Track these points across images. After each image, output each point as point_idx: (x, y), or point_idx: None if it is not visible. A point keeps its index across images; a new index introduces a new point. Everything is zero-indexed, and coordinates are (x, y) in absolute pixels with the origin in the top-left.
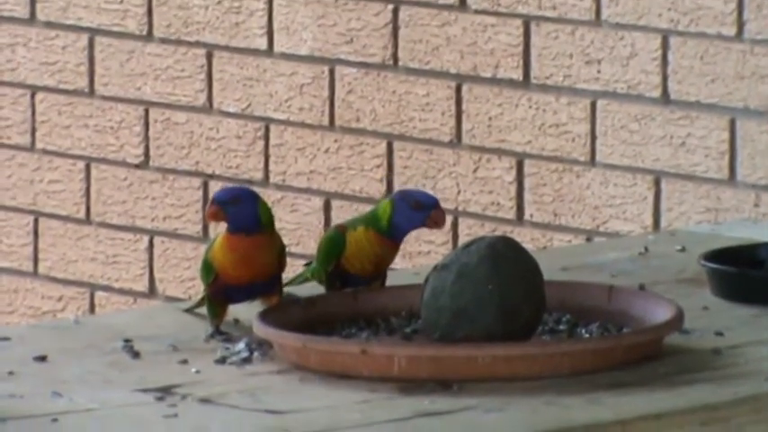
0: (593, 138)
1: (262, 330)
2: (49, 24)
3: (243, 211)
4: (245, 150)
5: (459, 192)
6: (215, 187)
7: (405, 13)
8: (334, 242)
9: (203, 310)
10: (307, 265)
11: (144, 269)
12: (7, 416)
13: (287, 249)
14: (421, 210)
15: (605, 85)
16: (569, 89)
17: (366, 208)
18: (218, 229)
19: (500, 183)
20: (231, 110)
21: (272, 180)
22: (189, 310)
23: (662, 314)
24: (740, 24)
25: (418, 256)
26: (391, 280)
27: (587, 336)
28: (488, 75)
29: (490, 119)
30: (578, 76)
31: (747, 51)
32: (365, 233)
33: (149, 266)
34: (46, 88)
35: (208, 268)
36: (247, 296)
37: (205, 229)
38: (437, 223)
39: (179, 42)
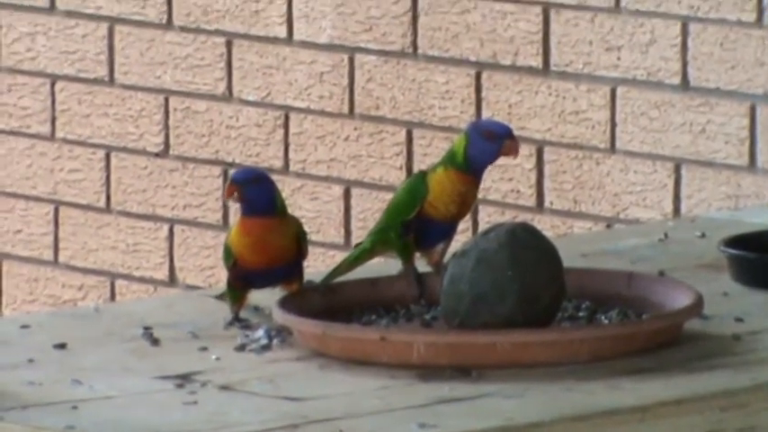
0: (613, 125)
1: (281, 317)
2: (69, 13)
3: (260, 191)
4: (265, 139)
5: None
6: None
7: (424, 0)
8: (418, 186)
9: None
10: (357, 246)
11: (164, 258)
12: (27, 403)
13: (309, 237)
14: (494, 140)
15: (625, 72)
16: (589, 76)
17: (386, 196)
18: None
19: (520, 170)
20: (251, 98)
21: (291, 168)
22: (219, 297)
23: (681, 300)
24: (760, 10)
25: None
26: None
27: (607, 322)
28: (508, 62)
29: (510, 106)
30: (598, 63)
31: (767, 37)
32: (445, 173)
33: (169, 255)
34: (66, 77)
35: (227, 254)
36: (266, 282)
37: (225, 217)
38: (511, 152)
39: (199, 31)
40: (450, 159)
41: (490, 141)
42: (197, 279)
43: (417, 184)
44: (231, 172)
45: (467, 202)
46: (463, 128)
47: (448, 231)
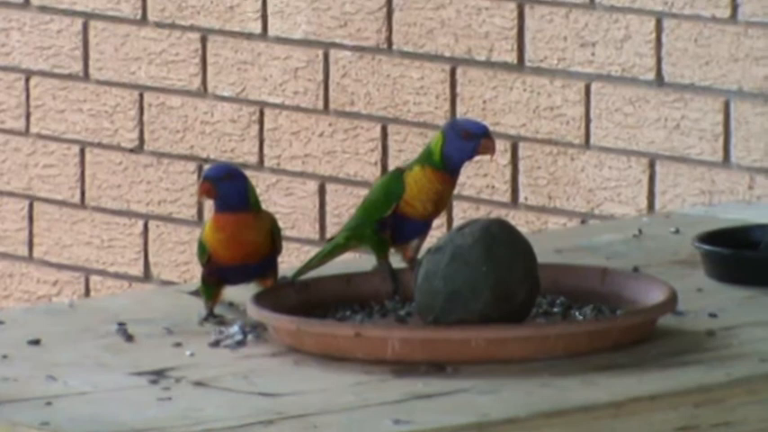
0: (588, 121)
1: (256, 313)
2: (44, 9)
3: (233, 188)
4: (240, 134)
5: None
6: None
7: None
8: (394, 184)
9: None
10: (330, 240)
11: (139, 253)
12: (1, 399)
13: (283, 233)
14: (470, 139)
15: (600, 68)
16: (564, 72)
17: (361, 192)
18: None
19: (495, 166)
20: (226, 94)
21: (266, 164)
22: (194, 293)
23: (656, 296)
24: (734, 6)
25: None
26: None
27: (581, 318)
28: (483, 58)
29: (484, 102)
30: (573, 58)
31: (741, 33)
32: (422, 171)
33: (144, 250)
34: (40, 72)
35: (201, 249)
36: (241, 278)
37: (200, 213)
38: (488, 151)
39: (173, 26)
40: (426, 158)
41: (467, 140)
42: (172, 275)
43: (394, 182)
44: (205, 168)
45: (443, 200)
46: (438, 124)
47: (423, 228)
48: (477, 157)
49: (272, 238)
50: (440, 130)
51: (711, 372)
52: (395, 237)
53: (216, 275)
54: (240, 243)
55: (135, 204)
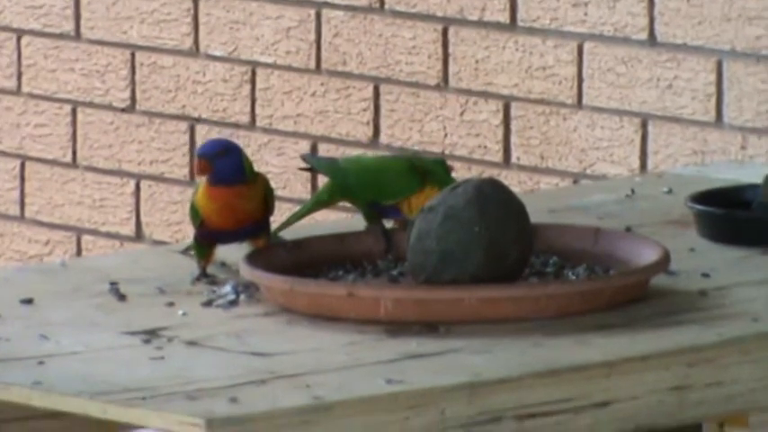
0: (580, 80)
1: (248, 273)
2: None
3: (229, 162)
4: (232, 94)
5: (445, 135)
6: (201, 131)
7: None
8: (411, 184)
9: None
10: (303, 169)
11: (130, 213)
12: None
13: (275, 193)
14: None
15: (592, 28)
16: (556, 32)
17: (353, 151)
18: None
19: (487, 126)
20: (217, 53)
21: (258, 124)
22: (185, 251)
23: (648, 256)
24: None
25: None
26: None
27: (574, 278)
28: (475, 18)
29: (477, 62)
30: (565, 18)
31: None
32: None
33: (136, 210)
34: (32, 32)
35: (194, 213)
36: (234, 239)
37: (191, 172)
38: None
39: None
40: (444, 182)
41: None
42: (164, 234)
43: (412, 181)
44: (198, 148)
45: None
46: (430, 84)
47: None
48: (469, 116)
49: (266, 201)
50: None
51: (704, 331)
52: (383, 216)
53: (208, 238)
54: (234, 211)
55: (126, 164)
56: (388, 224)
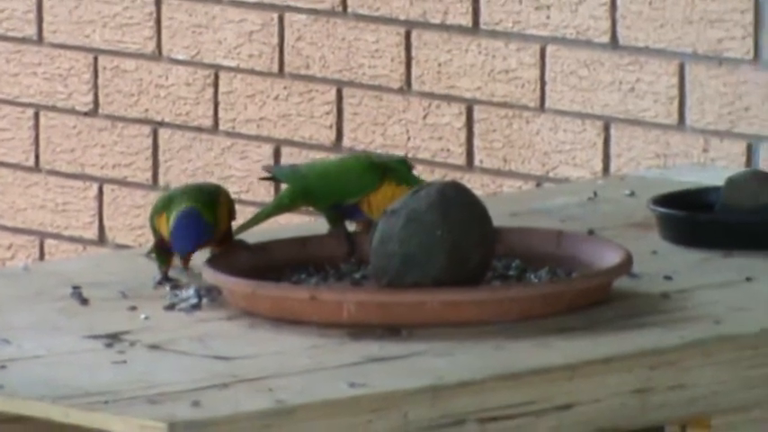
0: (543, 83)
1: (211, 276)
2: None
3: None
4: (195, 98)
5: (408, 138)
6: (164, 135)
7: None
8: (369, 181)
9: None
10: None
11: (93, 217)
12: None
13: (238, 196)
14: None
15: (554, 31)
16: (519, 35)
17: (317, 155)
18: (167, 178)
19: (450, 129)
20: (180, 57)
21: (221, 127)
22: (149, 254)
23: (611, 258)
24: None
25: None
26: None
27: (536, 281)
28: (437, 21)
29: (439, 65)
30: (528, 21)
31: None
32: (399, 189)
33: (99, 214)
34: None
35: (153, 228)
36: (193, 250)
37: (155, 176)
38: None
39: None
40: (405, 180)
41: None
42: (126, 238)
43: (370, 177)
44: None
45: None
46: (393, 87)
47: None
48: (432, 119)
49: (228, 214)
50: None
51: (666, 334)
52: (346, 217)
53: (168, 247)
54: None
55: (89, 168)
56: (351, 227)
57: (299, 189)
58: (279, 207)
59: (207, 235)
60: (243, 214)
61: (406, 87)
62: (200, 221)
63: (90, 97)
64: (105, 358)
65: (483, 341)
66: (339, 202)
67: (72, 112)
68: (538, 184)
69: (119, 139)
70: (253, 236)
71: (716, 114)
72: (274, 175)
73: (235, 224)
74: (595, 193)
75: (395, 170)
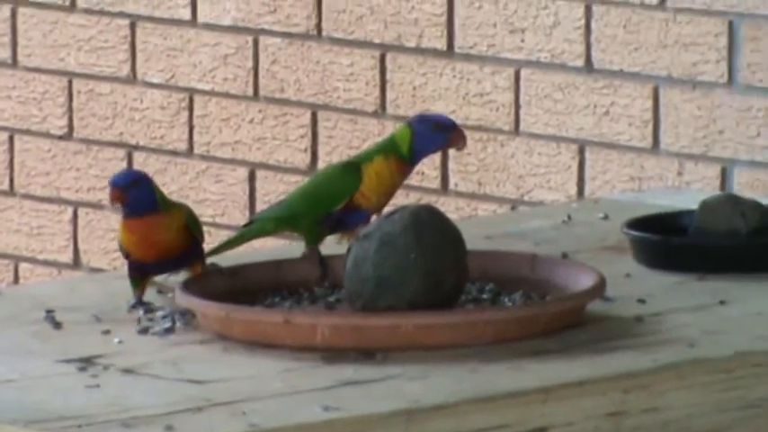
0: (518, 107)
1: (184, 300)
2: None
3: (140, 192)
4: (170, 121)
5: None
6: (139, 158)
7: None
8: (350, 178)
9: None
10: (246, 225)
11: (68, 240)
12: None
13: (213, 219)
14: (442, 131)
15: (529, 55)
16: (493, 58)
17: (292, 178)
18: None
19: None
20: (155, 80)
21: (196, 151)
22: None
23: (584, 282)
24: None
25: None
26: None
27: (510, 304)
28: (412, 44)
29: (414, 88)
30: (502, 45)
31: (670, 20)
32: (386, 162)
33: (73, 238)
34: None
35: (120, 247)
36: (164, 270)
37: None
38: (459, 142)
39: (102, 13)
40: (390, 148)
41: (438, 132)
42: (101, 262)
43: (349, 175)
44: (111, 177)
45: (395, 191)
46: (368, 110)
47: (368, 218)
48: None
49: (189, 231)
50: (405, 124)
51: (640, 357)
52: (339, 226)
53: (138, 270)
54: (152, 243)
55: (64, 191)
56: (326, 251)
57: (285, 214)
58: (261, 231)
59: (149, 201)
60: (217, 237)
61: (380, 111)
62: (150, 187)
63: (65, 121)
64: (79, 382)
65: (457, 364)
66: (328, 210)
67: (47, 135)
68: (512, 208)
69: (93, 162)
70: (226, 259)
71: (690, 138)
72: (254, 220)
73: (209, 248)
74: (569, 217)
75: (368, 152)
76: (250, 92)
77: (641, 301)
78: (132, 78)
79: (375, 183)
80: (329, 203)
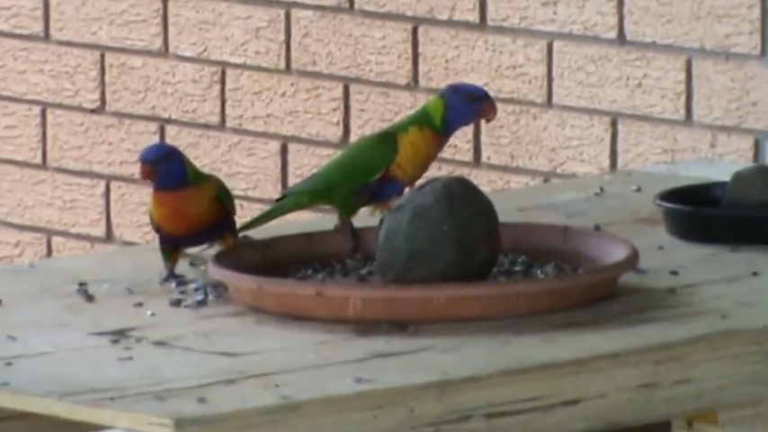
0: (550, 79)
1: (217, 273)
2: None
3: (171, 167)
4: (202, 95)
5: None
6: (171, 132)
7: None
8: (387, 148)
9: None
10: (279, 199)
11: (101, 214)
12: None
13: (245, 193)
14: (474, 101)
15: (562, 27)
16: (526, 31)
17: (324, 152)
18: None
19: None
20: (187, 54)
21: (228, 124)
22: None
23: (617, 254)
24: None
25: None
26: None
27: (543, 276)
28: (445, 17)
29: (447, 61)
30: (535, 17)
31: None
32: (421, 133)
33: (106, 211)
34: (1, 33)
35: (151, 220)
36: (195, 243)
37: None
38: (491, 112)
39: None
40: (424, 120)
41: (471, 102)
42: (134, 235)
43: (386, 145)
44: (141, 153)
45: (430, 162)
46: (400, 83)
47: (402, 189)
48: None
49: (220, 203)
50: (438, 96)
51: (672, 329)
52: (374, 198)
53: (169, 243)
54: (183, 216)
55: (97, 165)
56: (358, 223)
57: (321, 186)
58: (296, 204)
59: (180, 175)
60: (250, 211)
61: (413, 84)
62: (181, 161)
63: (97, 94)
64: (111, 355)
65: (489, 336)
66: (365, 181)
67: (79, 109)
68: (545, 180)
69: (126, 136)
70: (258, 232)
71: (723, 109)
72: (289, 194)
73: (241, 221)
74: (602, 189)
75: (403, 123)
76: (282, 65)
77: (674, 272)
78: (164, 52)
79: (411, 154)
80: (366, 174)
